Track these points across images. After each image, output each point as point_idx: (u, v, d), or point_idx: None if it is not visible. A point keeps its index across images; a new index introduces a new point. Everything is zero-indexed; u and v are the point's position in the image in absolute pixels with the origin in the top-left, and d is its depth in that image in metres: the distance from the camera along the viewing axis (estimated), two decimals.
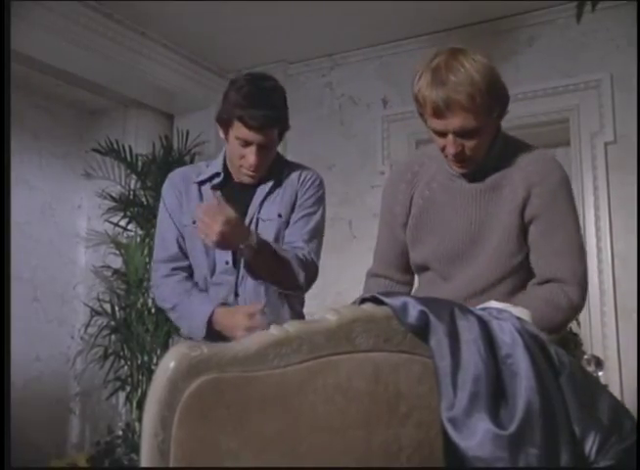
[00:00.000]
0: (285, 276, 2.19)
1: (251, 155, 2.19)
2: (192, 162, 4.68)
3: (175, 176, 2.44)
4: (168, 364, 1.07)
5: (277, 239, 2.28)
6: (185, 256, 2.32)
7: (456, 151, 1.80)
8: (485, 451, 1.26)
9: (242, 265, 2.21)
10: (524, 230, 1.90)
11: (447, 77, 1.74)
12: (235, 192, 2.30)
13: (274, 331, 1.18)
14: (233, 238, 2.03)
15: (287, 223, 2.31)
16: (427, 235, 1.98)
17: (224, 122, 2.22)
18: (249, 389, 1.12)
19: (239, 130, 2.17)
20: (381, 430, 1.26)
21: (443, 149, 1.83)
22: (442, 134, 1.80)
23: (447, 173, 1.95)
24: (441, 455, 1.31)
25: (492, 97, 1.76)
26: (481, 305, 1.59)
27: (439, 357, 1.33)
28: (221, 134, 2.28)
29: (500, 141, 1.92)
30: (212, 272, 2.27)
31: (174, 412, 1.05)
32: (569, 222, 1.93)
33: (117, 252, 4.52)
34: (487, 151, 1.88)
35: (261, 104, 2.15)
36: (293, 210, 2.32)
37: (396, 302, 1.35)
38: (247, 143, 2.18)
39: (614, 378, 3.66)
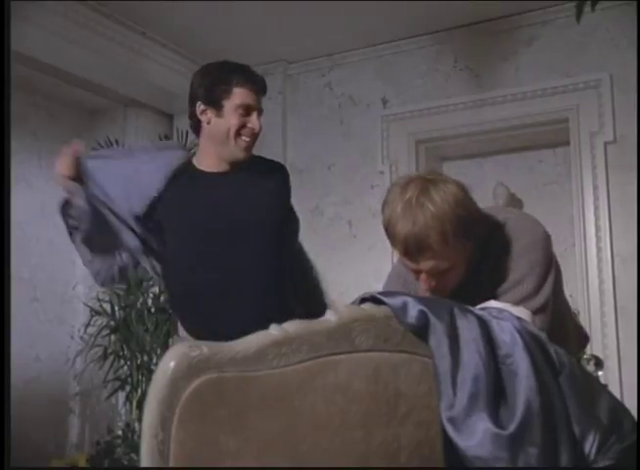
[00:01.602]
0: None
1: (255, 121, 2.24)
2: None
3: None
4: (168, 364, 1.07)
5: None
6: None
7: (429, 287, 1.69)
8: (485, 451, 1.26)
9: None
10: None
11: (417, 217, 1.60)
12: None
13: (274, 331, 1.19)
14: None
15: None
16: None
17: (216, 98, 2.24)
18: (248, 389, 1.12)
19: (243, 97, 2.23)
20: (380, 429, 1.26)
21: (417, 278, 1.72)
22: (415, 271, 1.70)
23: None
24: (441, 455, 1.31)
25: (466, 232, 1.65)
26: (481, 305, 1.59)
27: (439, 357, 1.33)
28: (204, 117, 2.29)
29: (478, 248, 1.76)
30: None
31: (174, 412, 1.05)
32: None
33: None
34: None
35: (250, 69, 2.28)
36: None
37: (396, 301, 1.35)
38: (249, 109, 2.23)
39: (613, 378, 3.66)
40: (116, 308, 4.42)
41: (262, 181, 2.34)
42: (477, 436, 1.27)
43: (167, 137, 4.77)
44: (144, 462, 1.05)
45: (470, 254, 1.70)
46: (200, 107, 2.28)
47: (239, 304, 2.20)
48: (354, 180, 4.62)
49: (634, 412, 1.43)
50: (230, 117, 2.25)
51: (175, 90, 4.71)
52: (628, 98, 3.84)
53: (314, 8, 4.07)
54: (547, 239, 1.79)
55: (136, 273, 4.33)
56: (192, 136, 4.65)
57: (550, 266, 1.78)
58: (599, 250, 3.87)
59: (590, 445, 1.32)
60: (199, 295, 2.28)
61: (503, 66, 4.28)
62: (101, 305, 4.45)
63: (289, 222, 2.39)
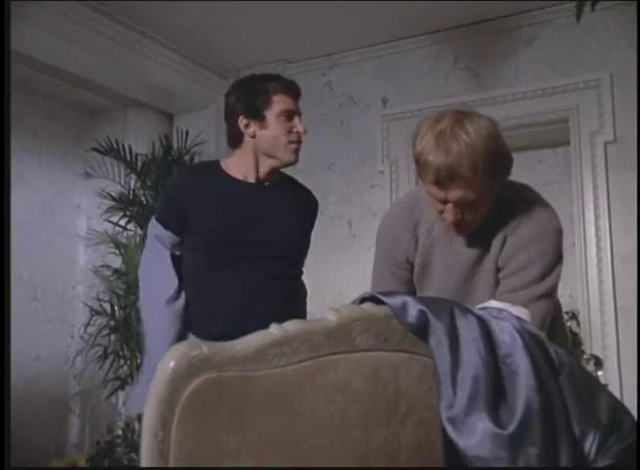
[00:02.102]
0: None
1: (299, 124, 2.35)
2: (191, 161, 4.68)
3: None
4: (168, 364, 1.07)
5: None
6: None
7: (455, 219, 1.75)
8: (485, 451, 1.26)
9: None
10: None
11: (451, 146, 1.65)
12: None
13: (274, 330, 1.19)
14: None
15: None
16: (427, 282, 1.98)
17: (257, 109, 2.30)
18: (248, 388, 1.12)
19: (283, 104, 2.32)
20: (380, 429, 1.26)
21: (441, 212, 1.78)
22: (442, 201, 1.75)
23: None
24: (441, 455, 1.31)
25: (495, 166, 1.71)
26: (481, 305, 1.59)
27: (439, 357, 1.33)
28: (249, 131, 2.33)
29: (500, 203, 1.84)
30: None
31: (174, 412, 1.05)
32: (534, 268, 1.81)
33: (117, 251, 4.52)
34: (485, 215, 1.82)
35: (284, 78, 2.43)
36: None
37: (396, 301, 1.35)
38: (291, 114, 2.34)
39: (613, 377, 3.66)
40: (116, 308, 4.42)
41: (294, 202, 2.46)
42: (476, 435, 1.27)
43: (167, 137, 4.77)
44: (144, 462, 1.05)
45: (494, 193, 1.76)
46: (242, 121, 2.32)
47: (252, 317, 2.19)
48: (354, 180, 4.62)
49: (634, 412, 1.43)
50: (275, 126, 2.31)
51: (175, 90, 4.72)
52: (628, 98, 3.84)
53: (314, 8, 4.07)
54: (561, 233, 1.86)
55: (136, 273, 4.36)
56: (192, 136, 4.68)
57: (559, 259, 1.83)
58: (599, 249, 3.87)
59: (590, 444, 1.32)
60: (211, 303, 2.30)
61: (503, 65, 4.28)
62: (101, 305, 4.45)
63: (305, 248, 2.51)
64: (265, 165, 2.37)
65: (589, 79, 4.01)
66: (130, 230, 4.56)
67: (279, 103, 2.30)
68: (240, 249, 2.30)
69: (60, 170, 4.91)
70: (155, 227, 2.41)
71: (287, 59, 4.81)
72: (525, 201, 1.88)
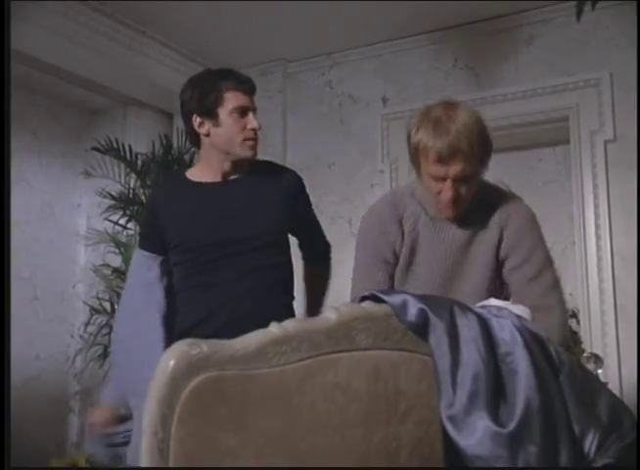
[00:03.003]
0: None
1: (252, 120, 2.28)
2: (191, 160, 4.68)
3: None
4: (168, 363, 1.07)
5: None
6: None
7: (453, 195, 1.94)
8: (485, 449, 1.26)
9: None
10: (498, 268, 2.04)
11: (449, 127, 1.88)
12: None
13: (274, 329, 1.18)
14: None
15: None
16: (412, 275, 2.07)
17: (209, 107, 2.26)
18: (248, 387, 1.12)
19: (235, 100, 2.26)
20: (380, 428, 1.26)
21: (438, 193, 1.96)
22: (441, 179, 1.93)
23: (429, 215, 2.06)
24: (441, 454, 1.31)
25: (484, 146, 1.94)
26: (481, 303, 1.59)
27: (439, 355, 1.33)
28: (202, 130, 2.30)
29: (482, 195, 2.05)
30: None
31: (174, 411, 1.05)
32: (536, 255, 2.02)
33: (117, 250, 4.51)
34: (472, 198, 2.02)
35: (237, 72, 2.32)
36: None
37: (396, 300, 1.35)
38: (244, 111, 2.27)
39: (613, 376, 3.66)
40: (116, 307, 4.42)
41: (266, 189, 2.36)
42: (476, 434, 1.27)
43: (167, 137, 4.77)
44: (144, 461, 1.05)
45: (480, 175, 1.99)
46: (196, 120, 2.29)
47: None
48: (354, 179, 4.62)
49: (634, 410, 1.43)
50: (228, 124, 2.27)
51: (175, 89, 4.65)
52: (628, 96, 3.84)
53: (314, 7, 4.07)
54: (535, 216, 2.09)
55: None
56: None
57: (544, 241, 2.06)
58: (599, 248, 3.86)
59: (590, 443, 1.32)
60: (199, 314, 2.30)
61: (503, 64, 4.28)
62: (101, 304, 4.45)
63: (282, 234, 2.40)
64: (226, 162, 2.33)
65: (589, 78, 4.01)
66: (130, 229, 4.55)
67: (231, 100, 2.25)
68: (212, 251, 2.28)
69: (60, 170, 4.91)
70: (140, 256, 2.42)
71: (287, 58, 4.81)
72: (503, 194, 2.10)
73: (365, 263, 2.11)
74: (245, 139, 2.27)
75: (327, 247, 2.71)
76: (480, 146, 1.91)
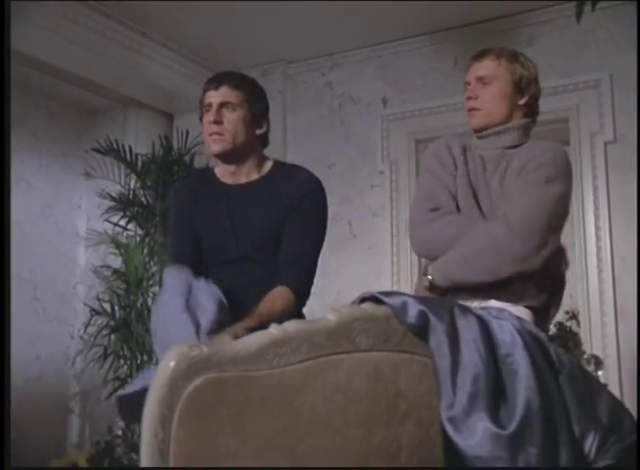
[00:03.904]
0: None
1: (209, 114, 2.25)
2: (192, 161, 4.68)
3: None
4: (168, 364, 1.07)
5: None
6: None
7: (473, 95, 2.13)
8: (485, 451, 1.26)
9: None
10: None
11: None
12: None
13: (274, 330, 1.18)
14: None
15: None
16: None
17: (200, 108, 2.31)
18: (248, 388, 1.12)
19: (205, 100, 2.27)
20: (380, 429, 1.26)
21: (468, 99, 2.16)
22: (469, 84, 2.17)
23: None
24: (441, 455, 1.31)
25: (518, 79, 2.17)
26: (481, 305, 1.59)
27: (439, 357, 1.33)
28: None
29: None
30: None
31: (174, 412, 1.05)
32: None
33: (117, 251, 4.52)
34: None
35: (220, 74, 2.33)
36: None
37: (396, 301, 1.35)
38: (208, 106, 2.26)
39: (613, 377, 3.66)
40: (116, 308, 4.42)
41: (272, 195, 2.27)
42: (476, 435, 1.27)
43: (167, 137, 4.77)
44: (144, 462, 1.05)
45: (510, 98, 2.14)
46: None
47: None
48: (354, 180, 4.62)
49: (634, 412, 1.43)
50: (204, 122, 2.30)
51: (175, 90, 4.71)
52: (628, 98, 3.83)
53: (314, 8, 4.07)
54: None
55: (136, 273, 4.36)
56: (192, 136, 4.69)
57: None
58: (599, 249, 3.86)
59: (590, 444, 1.32)
60: None
61: None
62: (101, 305, 4.45)
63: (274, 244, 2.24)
64: (219, 161, 2.33)
65: (589, 79, 4.01)
66: (130, 230, 4.56)
67: (205, 99, 2.29)
68: (216, 255, 2.26)
69: (60, 170, 4.91)
70: (172, 274, 2.20)
71: (287, 59, 4.81)
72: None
73: (431, 184, 2.14)
74: (208, 134, 2.27)
75: (291, 278, 2.20)
76: (512, 65, 2.18)
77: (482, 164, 2.11)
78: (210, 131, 2.25)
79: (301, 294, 2.21)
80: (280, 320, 1.92)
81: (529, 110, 2.18)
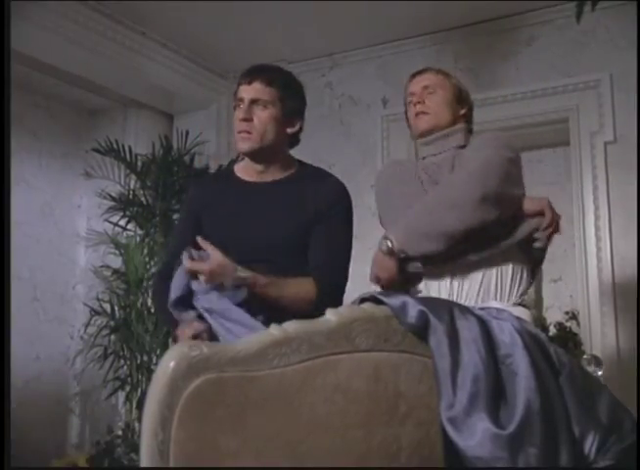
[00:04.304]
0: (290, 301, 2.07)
1: (240, 112, 2.18)
2: (192, 162, 4.68)
3: None
4: (168, 364, 1.07)
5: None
6: None
7: (421, 104, 2.27)
8: (485, 451, 1.26)
9: None
10: None
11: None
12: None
13: (274, 331, 1.18)
14: (221, 278, 2.00)
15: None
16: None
17: (234, 100, 2.25)
18: (248, 388, 1.12)
19: (237, 93, 2.21)
20: (380, 429, 1.26)
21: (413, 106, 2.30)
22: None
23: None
24: (441, 455, 1.31)
25: (459, 92, 2.33)
26: (481, 305, 1.59)
27: (439, 357, 1.33)
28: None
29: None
30: None
31: (174, 412, 1.05)
32: None
33: (117, 251, 4.52)
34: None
35: (255, 67, 2.24)
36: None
37: (396, 301, 1.35)
38: (240, 101, 2.19)
39: (613, 377, 3.65)
40: (116, 308, 4.42)
41: (294, 198, 2.22)
42: (476, 436, 1.27)
43: (167, 137, 4.77)
44: (144, 462, 1.05)
45: (453, 107, 2.28)
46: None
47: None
48: (354, 180, 4.60)
49: (634, 412, 1.43)
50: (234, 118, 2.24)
51: (175, 90, 4.71)
52: (628, 98, 3.83)
53: (314, 8, 4.07)
54: None
55: (136, 273, 4.36)
56: (192, 136, 4.69)
57: None
58: (599, 250, 3.86)
59: (590, 444, 1.32)
60: None
61: (503, 66, 4.28)
62: (101, 305, 4.45)
63: (295, 249, 2.18)
64: (247, 159, 2.28)
65: (589, 80, 4.00)
66: (130, 230, 4.55)
67: (238, 93, 2.22)
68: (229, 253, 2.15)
69: (60, 171, 4.91)
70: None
71: (287, 59, 4.81)
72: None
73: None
74: (237, 132, 2.21)
75: (321, 278, 2.16)
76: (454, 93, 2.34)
77: (437, 167, 2.18)
78: (240, 129, 2.19)
79: (325, 300, 2.02)
80: (283, 305, 2.00)
81: (467, 120, 2.33)
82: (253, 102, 2.18)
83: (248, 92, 2.19)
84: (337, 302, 2.09)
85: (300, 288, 2.10)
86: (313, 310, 1.96)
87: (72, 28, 3.97)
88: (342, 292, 2.21)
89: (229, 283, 2.01)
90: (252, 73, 2.22)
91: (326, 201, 2.24)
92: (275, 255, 2.15)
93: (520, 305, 1.86)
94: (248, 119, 2.17)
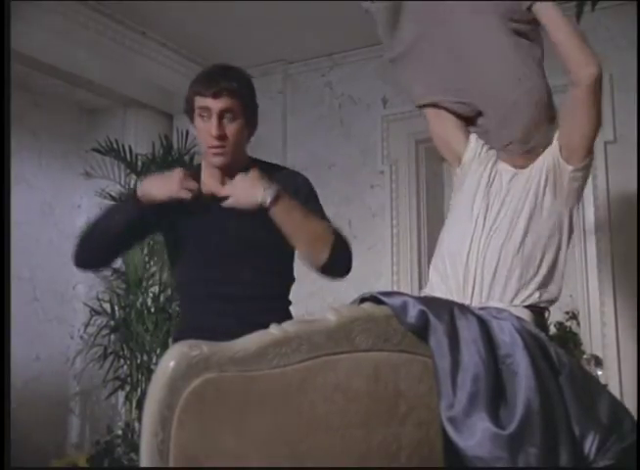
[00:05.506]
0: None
1: (212, 127, 2.09)
2: (192, 161, 4.68)
3: None
4: (168, 364, 1.07)
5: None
6: None
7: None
8: (485, 451, 1.26)
9: None
10: None
11: None
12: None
13: (274, 330, 1.18)
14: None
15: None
16: None
17: (188, 110, 2.17)
18: (248, 388, 1.12)
19: (198, 102, 2.11)
20: (380, 429, 1.26)
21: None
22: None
23: None
24: (441, 455, 1.31)
25: None
26: (481, 305, 1.59)
27: (439, 357, 1.33)
28: (194, 131, 2.22)
29: None
30: None
31: (174, 412, 1.05)
32: None
33: None
34: None
35: (215, 75, 2.14)
36: None
37: (396, 301, 1.35)
38: (204, 111, 2.10)
39: (613, 377, 3.66)
40: (116, 308, 4.42)
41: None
42: (476, 436, 1.27)
43: (167, 137, 4.77)
44: (144, 462, 1.05)
45: None
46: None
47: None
48: (354, 180, 4.61)
49: (633, 412, 1.43)
50: (198, 128, 2.15)
51: (175, 90, 4.71)
52: (628, 97, 3.83)
53: (314, 8, 4.07)
54: None
55: (136, 273, 4.36)
56: (192, 136, 4.68)
57: None
58: (599, 250, 3.86)
59: (590, 444, 1.32)
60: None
61: None
62: (101, 305, 4.45)
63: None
64: (214, 169, 2.20)
65: None
66: None
67: (197, 103, 2.12)
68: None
69: (60, 170, 4.91)
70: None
71: (287, 59, 4.81)
72: None
73: None
74: (210, 146, 2.13)
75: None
76: None
77: None
78: (213, 144, 2.12)
79: (338, 253, 2.11)
80: (301, 240, 2.06)
81: None
82: (222, 114, 2.10)
83: (215, 104, 2.10)
84: (347, 262, 2.18)
85: (320, 227, 2.11)
86: (325, 263, 2.07)
87: (72, 28, 3.98)
88: (351, 259, 2.20)
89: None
90: (218, 84, 2.11)
91: (297, 195, 2.17)
92: (246, 253, 2.18)
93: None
94: (222, 137, 2.10)
